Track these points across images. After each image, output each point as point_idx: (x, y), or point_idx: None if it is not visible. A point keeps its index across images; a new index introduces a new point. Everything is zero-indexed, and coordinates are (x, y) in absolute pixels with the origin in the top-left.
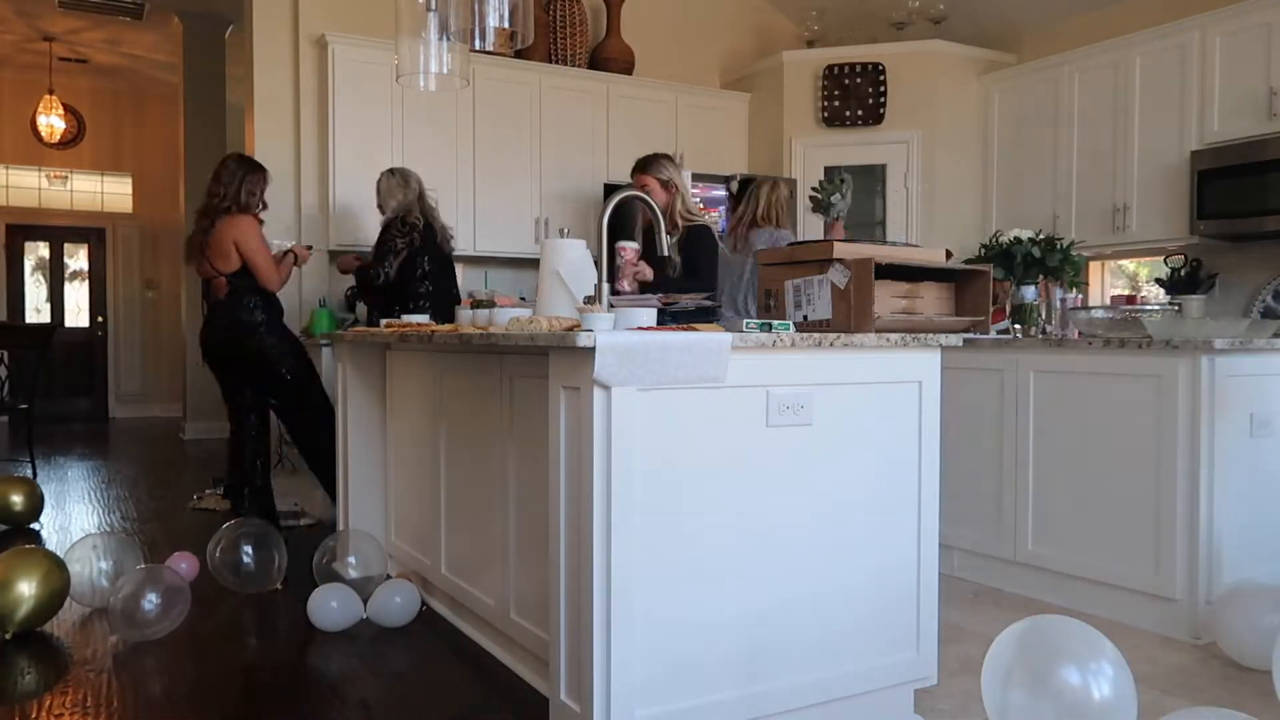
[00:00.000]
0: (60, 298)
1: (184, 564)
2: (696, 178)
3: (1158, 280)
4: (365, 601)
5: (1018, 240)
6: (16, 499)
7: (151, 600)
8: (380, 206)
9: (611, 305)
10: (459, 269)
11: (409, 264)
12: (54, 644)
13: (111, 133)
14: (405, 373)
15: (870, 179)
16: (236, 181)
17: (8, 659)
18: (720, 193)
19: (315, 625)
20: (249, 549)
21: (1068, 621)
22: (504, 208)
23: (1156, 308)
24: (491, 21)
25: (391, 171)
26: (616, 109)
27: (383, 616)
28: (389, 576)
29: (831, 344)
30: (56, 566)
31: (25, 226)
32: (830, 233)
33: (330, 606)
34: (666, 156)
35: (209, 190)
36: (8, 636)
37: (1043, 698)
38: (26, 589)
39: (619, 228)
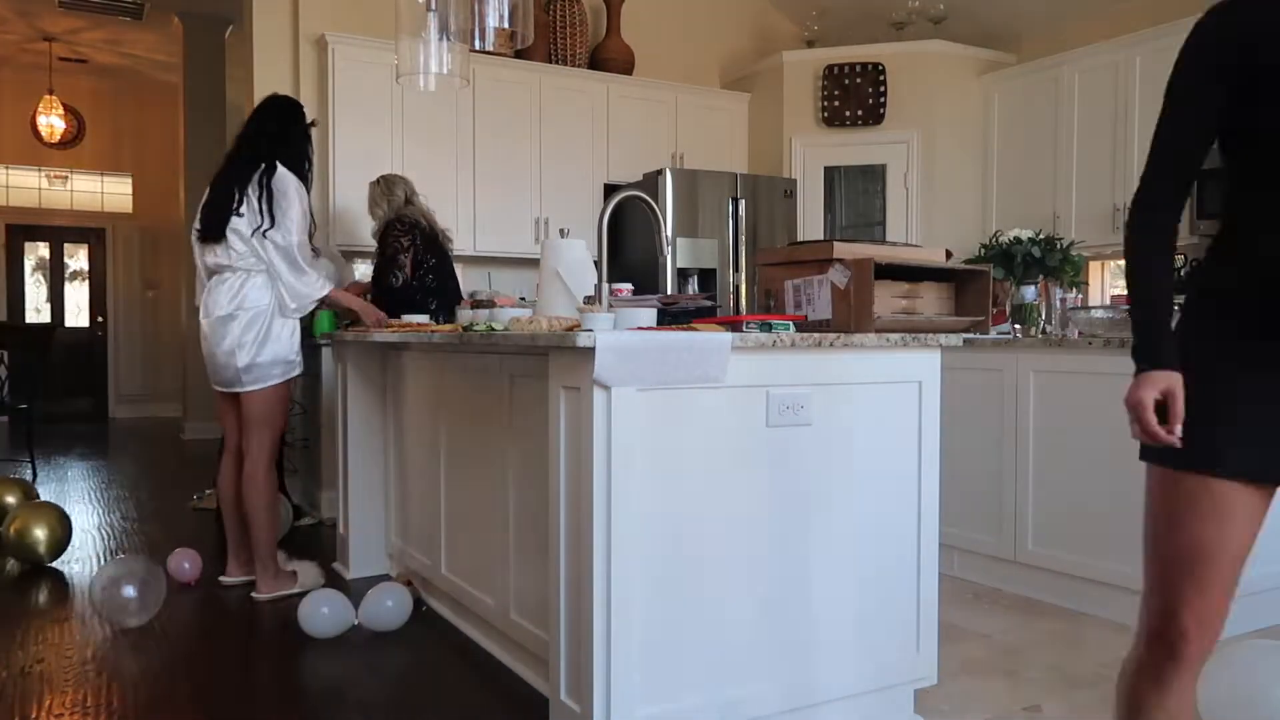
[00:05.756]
0: (60, 298)
1: (186, 563)
2: (697, 175)
3: None
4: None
5: (1018, 240)
6: (11, 499)
7: (129, 590)
8: (371, 214)
9: (611, 305)
10: (459, 269)
11: (415, 263)
12: (54, 643)
13: (111, 133)
14: (405, 372)
15: (870, 179)
16: None
17: (10, 658)
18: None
19: (307, 632)
20: None
21: None
22: (504, 207)
23: None
24: (491, 21)
25: (377, 180)
26: (616, 109)
27: (375, 621)
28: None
29: (831, 344)
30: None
31: (25, 226)
32: None
33: (321, 613)
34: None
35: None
36: None
37: None
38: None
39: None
